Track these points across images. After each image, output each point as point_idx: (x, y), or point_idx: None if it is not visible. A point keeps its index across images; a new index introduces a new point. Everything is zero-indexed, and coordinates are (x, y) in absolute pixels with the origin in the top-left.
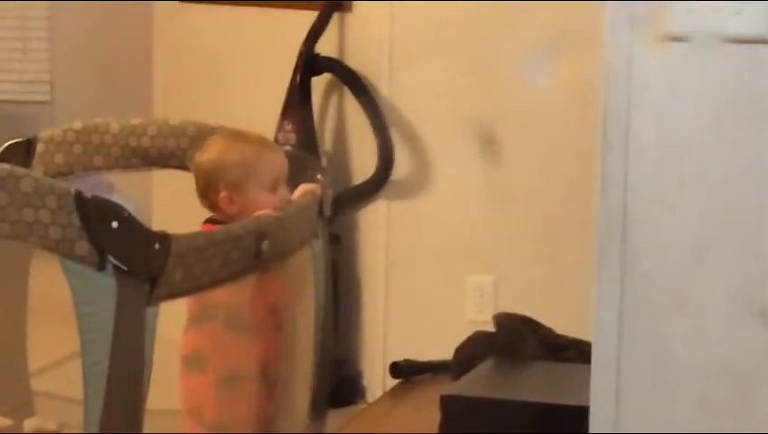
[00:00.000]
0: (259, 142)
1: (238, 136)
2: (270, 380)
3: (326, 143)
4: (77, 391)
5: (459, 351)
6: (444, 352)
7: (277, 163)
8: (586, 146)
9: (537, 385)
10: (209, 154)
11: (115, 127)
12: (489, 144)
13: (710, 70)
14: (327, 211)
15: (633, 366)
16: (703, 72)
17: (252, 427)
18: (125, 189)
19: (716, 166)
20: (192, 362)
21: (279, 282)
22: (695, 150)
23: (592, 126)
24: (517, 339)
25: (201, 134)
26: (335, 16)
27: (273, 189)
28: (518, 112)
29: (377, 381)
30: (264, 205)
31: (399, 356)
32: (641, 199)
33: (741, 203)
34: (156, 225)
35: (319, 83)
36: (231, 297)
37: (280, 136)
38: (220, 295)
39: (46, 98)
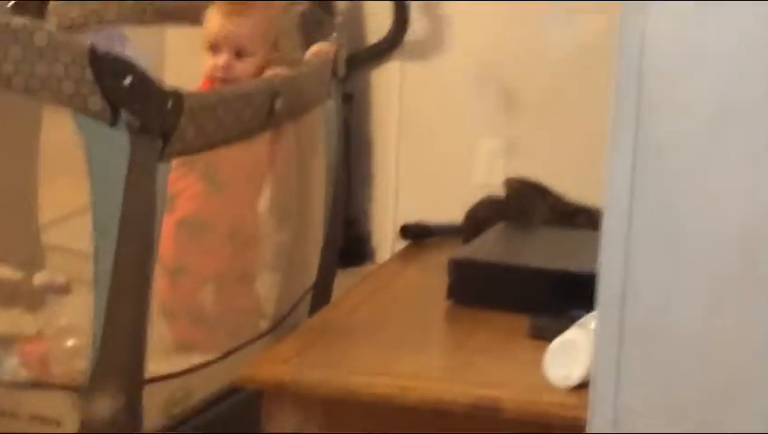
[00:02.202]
0: (227, 5)
1: None
2: (242, 237)
3: (341, 2)
4: (87, 245)
5: (469, 215)
6: (454, 215)
7: (211, 26)
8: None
9: (546, 251)
10: None
11: None
12: None
13: None
14: (341, 71)
15: (643, 235)
16: None
17: (216, 277)
18: (138, 44)
19: (735, 36)
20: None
21: (263, 148)
22: (709, 20)
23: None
24: (527, 204)
25: None
26: None
27: (213, 51)
28: None
29: (386, 241)
30: (205, 66)
31: (409, 218)
32: (658, 64)
33: (760, 73)
34: (168, 81)
35: None
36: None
37: None
38: None
39: None
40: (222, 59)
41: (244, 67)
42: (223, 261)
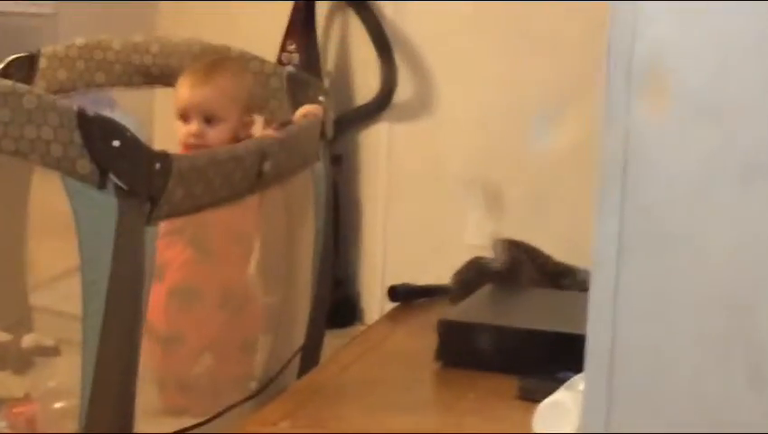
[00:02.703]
0: (195, 73)
1: (198, 65)
2: (235, 302)
3: (329, 64)
4: (76, 307)
5: (457, 276)
6: (443, 276)
7: (180, 94)
8: (592, 74)
9: (534, 312)
10: None
11: (117, 43)
12: None
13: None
14: (329, 132)
15: (632, 298)
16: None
17: (210, 346)
18: (126, 106)
19: (721, 101)
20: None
21: (251, 212)
22: (699, 83)
23: (596, 53)
24: (515, 265)
25: (205, 52)
26: None
27: (183, 119)
28: (524, 38)
29: (375, 303)
30: (177, 134)
31: (398, 279)
32: (644, 131)
33: (745, 138)
34: (157, 144)
35: (323, 4)
36: (200, 216)
37: (283, 57)
38: None
39: (50, 11)
40: (194, 126)
41: (216, 134)
42: (216, 329)
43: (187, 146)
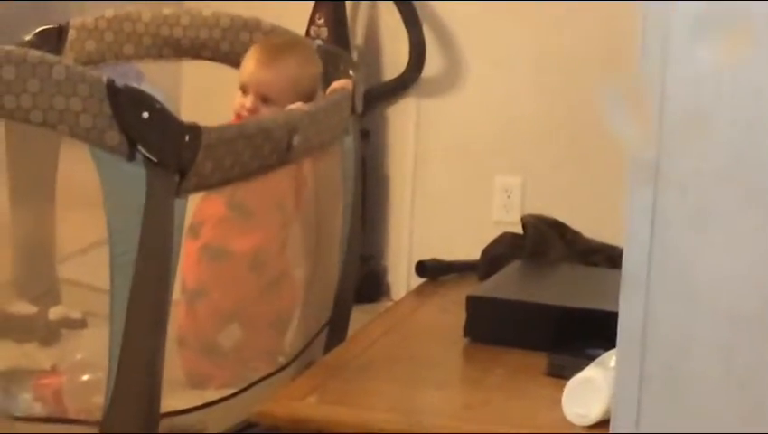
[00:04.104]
0: (263, 52)
1: (261, 42)
2: (267, 269)
3: (358, 38)
4: (103, 279)
5: (486, 252)
6: (471, 252)
7: (245, 67)
8: (619, 50)
9: (563, 289)
10: None
11: (147, 15)
12: None
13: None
14: (358, 107)
15: (664, 275)
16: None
17: (235, 307)
18: (154, 79)
19: (754, 82)
20: (191, 230)
21: (288, 180)
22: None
23: (626, 30)
24: (544, 241)
25: (234, 26)
26: None
27: (242, 91)
28: (553, 16)
29: (402, 278)
30: (235, 104)
31: (425, 255)
32: (679, 107)
33: None
34: (184, 117)
35: None
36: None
37: (312, 31)
38: None
39: None
40: (249, 101)
41: (268, 113)
42: (245, 294)
43: (239, 117)
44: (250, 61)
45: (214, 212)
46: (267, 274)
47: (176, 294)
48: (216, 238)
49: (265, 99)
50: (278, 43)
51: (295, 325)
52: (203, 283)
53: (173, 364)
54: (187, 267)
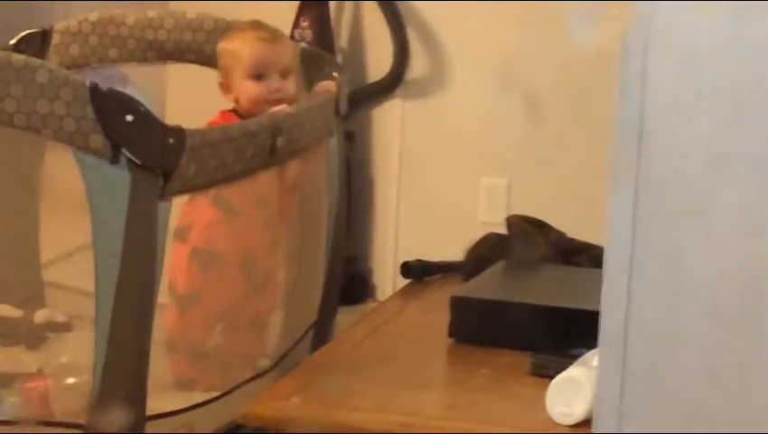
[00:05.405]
0: (260, 32)
1: (247, 27)
2: (255, 270)
3: (342, 40)
4: (88, 283)
5: (470, 252)
6: (457, 253)
7: (263, 51)
8: (604, 50)
9: (547, 289)
10: (221, 43)
11: (131, 19)
12: None
13: None
14: (343, 108)
15: (646, 273)
16: None
17: (225, 310)
18: (139, 82)
19: (736, 75)
20: (179, 233)
21: (275, 180)
22: (714, 57)
23: (612, 31)
24: (528, 242)
25: (218, 28)
26: None
27: (257, 77)
28: (538, 17)
29: (387, 279)
30: (250, 93)
31: (410, 256)
32: (659, 105)
33: (760, 113)
34: (170, 120)
35: None
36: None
37: (296, 33)
38: None
39: None
40: (275, 82)
41: (291, 86)
42: (234, 295)
43: (268, 102)
44: (259, 45)
45: (201, 215)
46: (256, 275)
47: (163, 297)
48: (205, 241)
49: (284, 74)
50: (255, 23)
51: (280, 326)
52: (195, 288)
53: (160, 367)
54: (178, 271)
